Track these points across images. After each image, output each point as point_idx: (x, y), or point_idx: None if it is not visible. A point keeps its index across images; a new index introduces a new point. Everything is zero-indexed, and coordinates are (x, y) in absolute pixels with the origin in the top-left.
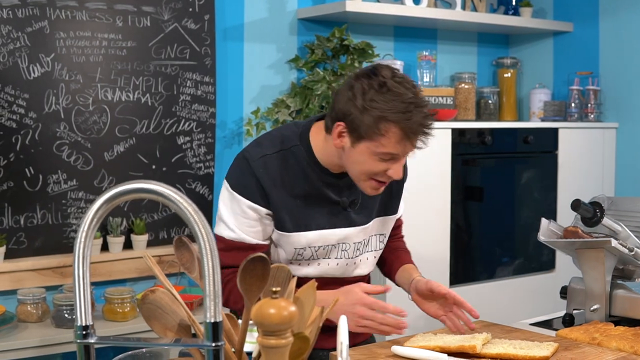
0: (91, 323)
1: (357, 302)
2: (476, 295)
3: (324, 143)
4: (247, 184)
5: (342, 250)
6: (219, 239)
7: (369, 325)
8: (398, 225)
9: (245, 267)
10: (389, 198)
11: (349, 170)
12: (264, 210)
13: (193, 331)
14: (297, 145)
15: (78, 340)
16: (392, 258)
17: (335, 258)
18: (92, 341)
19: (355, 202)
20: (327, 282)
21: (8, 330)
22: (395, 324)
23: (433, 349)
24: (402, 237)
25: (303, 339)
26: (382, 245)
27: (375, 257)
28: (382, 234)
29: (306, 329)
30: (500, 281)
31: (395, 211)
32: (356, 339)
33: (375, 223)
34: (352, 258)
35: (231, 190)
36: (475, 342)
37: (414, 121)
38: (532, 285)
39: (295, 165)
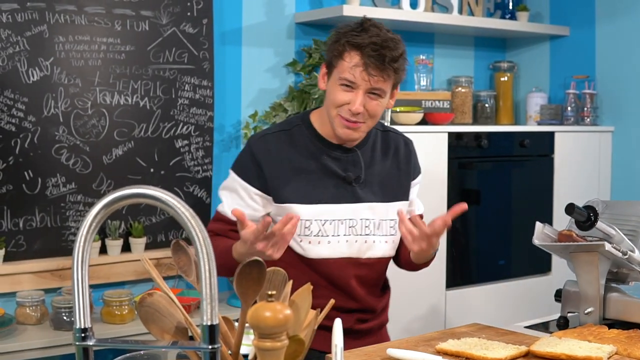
0: (90, 325)
1: (252, 248)
2: (473, 298)
3: (322, 114)
4: (243, 163)
5: (349, 227)
6: (215, 213)
7: (267, 246)
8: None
9: (241, 270)
10: (397, 183)
11: (327, 113)
12: (253, 190)
13: (190, 334)
14: (299, 124)
15: (77, 343)
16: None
17: (344, 235)
18: (91, 343)
19: (360, 177)
20: (344, 264)
21: (7, 332)
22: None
23: (559, 356)
24: None
25: (298, 342)
26: (394, 232)
27: (387, 242)
28: (393, 220)
29: (302, 331)
30: (496, 284)
31: (404, 198)
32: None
33: (384, 207)
34: (361, 235)
35: (230, 170)
36: (602, 354)
37: (367, 44)
38: (529, 288)
39: (299, 142)
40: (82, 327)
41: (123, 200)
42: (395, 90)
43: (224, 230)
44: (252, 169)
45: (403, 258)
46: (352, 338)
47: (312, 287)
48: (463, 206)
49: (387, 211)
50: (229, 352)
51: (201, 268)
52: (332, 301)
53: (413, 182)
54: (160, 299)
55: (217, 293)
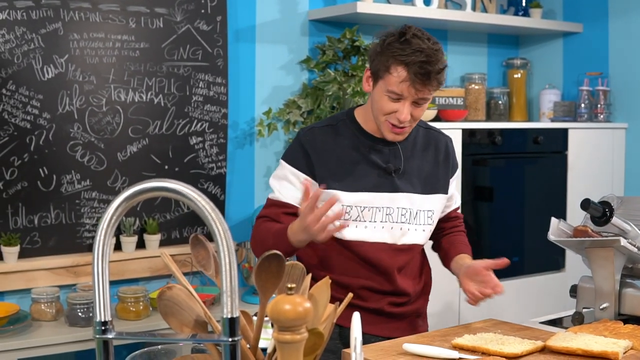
0: (110, 319)
1: (303, 221)
2: None
3: (366, 111)
4: (293, 153)
5: (386, 215)
6: (267, 200)
7: (319, 222)
8: (455, 217)
9: (260, 264)
10: (435, 177)
11: (373, 115)
12: (303, 176)
13: (210, 328)
14: (344, 119)
15: (97, 336)
16: (450, 248)
17: (381, 222)
18: (111, 336)
19: (400, 169)
20: (380, 248)
21: (22, 328)
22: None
23: (575, 351)
24: (463, 231)
25: (317, 335)
26: (431, 222)
27: (424, 230)
28: (430, 210)
29: (320, 324)
30: (510, 280)
31: (443, 191)
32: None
33: (422, 198)
34: (397, 223)
35: (281, 160)
36: (618, 349)
37: (415, 62)
38: (542, 284)
39: (344, 136)
40: (103, 320)
41: (145, 194)
42: None
43: (276, 214)
44: (301, 157)
45: (445, 262)
46: (383, 320)
47: (330, 281)
48: (505, 262)
49: (424, 202)
50: (248, 345)
51: (221, 261)
52: (350, 295)
53: (452, 179)
54: (179, 292)
55: (238, 287)
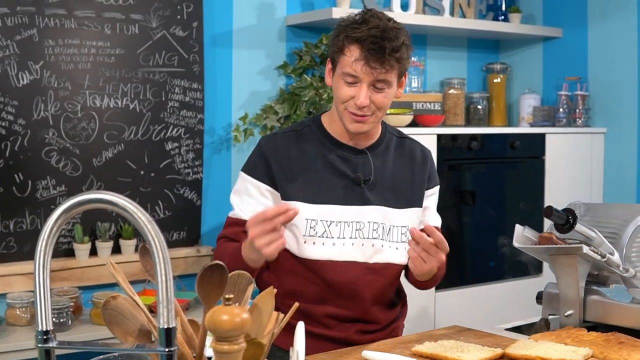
0: (51, 328)
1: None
2: (464, 299)
3: (332, 113)
4: (253, 162)
5: (356, 230)
6: (227, 219)
7: (266, 238)
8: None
9: (202, 274)
10: (410, 189)
11: (336, 110)
12: (264, 187)
13: (153, 338)
14: (310, 125)
15: (39, 345)
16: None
17: (350, 238)
18: (52, 345)
19: (370, 179)
20: (350, 267)
21: None
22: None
23: (534, 359)
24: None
25: (257, 345)
26: (405, 239)
27: (397, 249)
28: (404, 226)
29: (264, 335)
30: (487, 285)
31: (418, 204)
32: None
33: (395, 212)
34: (368, 239)
35: (240, 172)
36: (577, 357)
37: (367, 37)
38: (520, 290)
39: (309, 143)
40: (44, 329)
41: (83, 205)
42: (402, 79)
43: (236, 233)
44: (261, 166)
45: (410, 275)
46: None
47: (275, 291)
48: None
49: (398, 217)
50: (194, 354)
51: (157, 272)
52: (296, 304)
53: (428, 192)
54: (124, 301)
55: (174, 297)
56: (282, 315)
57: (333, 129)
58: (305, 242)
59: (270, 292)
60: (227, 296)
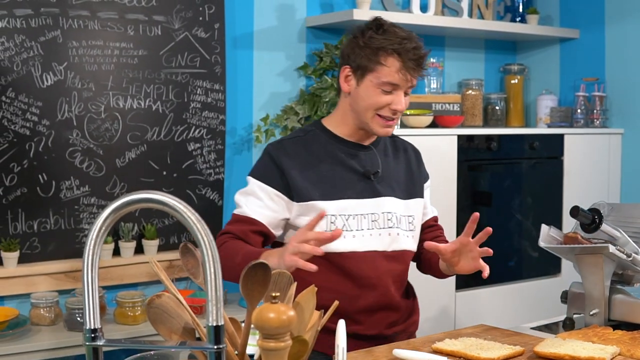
0: (100, 326)
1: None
2: (483, 300)
3: (337, 117)
4: (262, 168)
5: (372, 221)
6: (232, 216)
7: (300, 250)
8: (436, 227)
9: (246, 273)
10: (411, 181)
11: (359, 114)
12: (273, 191)
13: (197, 335)
14: (313, 130)
15: (87, 343)
16: (431, 253)
17: (368, 229)
18: (101, 343)
19: (378, 172)
20: (374, 257)
21: (21, 333)
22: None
23: (562, 357)
24: (447, 241)
25: (302, 342)
26: (413, 227)
27: (408, 236)
28: (411, 216)
29: (305, 332)
30: (506, 285)
31: (420, 195)
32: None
33: (403, 203)
34: (384, 229)
35: (248, 177)
36: (605, 354)
37: (408, 50)
38: (539, 289)
39: (316, 145)
40: (92, 327)
41: (132, 205)
42: None
43: (243, 231)
44: (272, 171)
45: (429, 263)
46: (382, 344)
47: (316, 289)
48: (475, 215)
49: (405, 207)
50: (236, 352)
51: (206, 270)
52: (336, 303)
53: (425, 185)
54: (168, 300)
55: (223, 294)
56: (324, 313)
57: (340, 131)
58: None
59: (312, 290)
60: (273, 294)
